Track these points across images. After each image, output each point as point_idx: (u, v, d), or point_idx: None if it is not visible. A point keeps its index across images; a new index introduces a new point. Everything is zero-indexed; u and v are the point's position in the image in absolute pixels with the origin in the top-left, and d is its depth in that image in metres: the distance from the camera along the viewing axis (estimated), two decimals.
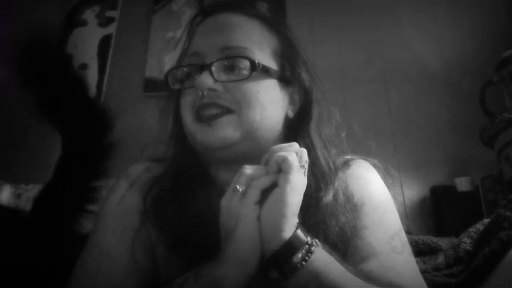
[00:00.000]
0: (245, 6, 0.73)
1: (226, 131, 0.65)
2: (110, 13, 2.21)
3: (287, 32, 0.76)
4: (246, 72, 0.66)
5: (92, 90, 1.98)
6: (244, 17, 0.72)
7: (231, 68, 0.66)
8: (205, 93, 0.65)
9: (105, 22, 2.19)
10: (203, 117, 0.66)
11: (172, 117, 0.76)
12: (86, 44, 2.14)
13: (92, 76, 2.06)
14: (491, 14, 2.07)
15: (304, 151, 0.59)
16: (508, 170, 1.44)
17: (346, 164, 0.74)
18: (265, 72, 0.67)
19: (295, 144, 0.60)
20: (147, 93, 2.02)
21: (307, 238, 0.56)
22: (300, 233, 0.56)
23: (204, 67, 0.66)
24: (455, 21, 2.08)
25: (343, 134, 0.76)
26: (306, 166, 0.59)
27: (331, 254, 0.57)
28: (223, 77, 0.66)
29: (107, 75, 2.07)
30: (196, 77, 0.67)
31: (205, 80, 0.65)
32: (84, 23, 2.19)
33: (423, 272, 0.95)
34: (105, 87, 2.05)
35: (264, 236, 0.56)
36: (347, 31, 2.11)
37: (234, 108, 0.66)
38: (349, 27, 2.11)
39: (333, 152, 0.73)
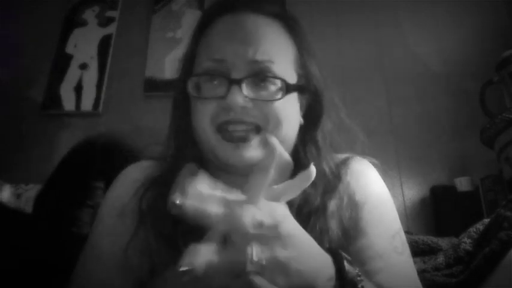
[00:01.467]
0: (265, 4, 0.71)
1: (254, 152, 0.63)
2: (110, 13, 2.21)
3: (303, 33, 0.75)
4: (274, 87, 0.64)
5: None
6: (266, 18, 0.70)
7: (260, 83, 0.65)
8: (237, 110, 0.63)
9: (105, 22, 2.19)
10: (231, 137, 0.63)
11: (178, 119, 0.74)
12: (86, 44, 2.14)
13: (92, 76, 2.06)
14: (491, 14, 2.07)
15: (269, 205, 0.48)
16: (508, 170, 1.44)
17: (345, 162, 0.74)
18: (293, 89, 0.67)
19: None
20: (147, 93, 2.02)
21: (355, 270, 0.52)
22: (348, 269, 0.51)
23: (234, 82, 0.63)
24: (455, 21, 2.08)
25: (346, 136, 0.76)
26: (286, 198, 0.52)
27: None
28: (252, 94, 0.64)
29: (107, 75, 2.07)
30: (215, 82, 0.65)
31: (238, 98, 0.62)
32: (84, 23, 2.19)
33: (423, 272, 0.95)
34: (105, 87, 2.05)
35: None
36: (347, 31, 2.11)
37: (261, 124, 0.64)
38: (349, 27, 2.12)
39: (336, 155, 0.73)
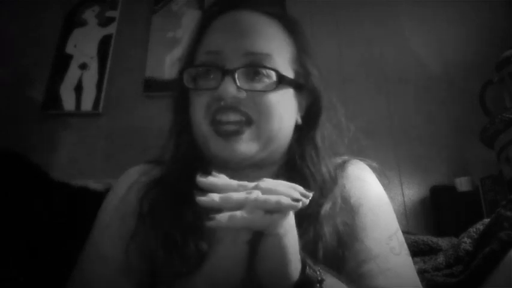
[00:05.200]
0: (265, 3, 0.72)
1: (246, 146, 0.63)
2: (110, 13, 2.21)
3: (302, 34, 0.75)
4: (268, 81, 0.65)
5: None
6: (265, 17, 0.70)
7: (254, 75, 0.65)
8: (228, 101, 0.63)
9: (105, 22, 2.19)
10: (224, 131, 0.63)
11: (178, 117, 0.74)
12: (86, 44, 2.13)
13: (92, 76, 2.06)
14: (491, 14, 2.07)
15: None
16: (508, 170, 1.44)
17: (343, 165, 0.74)
18: (287, 83, 0.67)
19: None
20: (147, 93, 2.02)
21: (317, 273, 0.53)
22: (310, 273, 0.52)
23: (227, 72, 0.64)
24: (456, 21, 2.08)
25: (346, 139, 0.75)
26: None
27: (338, 279, 0.56)
28: (246, 85, 0.64)
29: (106, 75, 2.07)
30: (211, 76, 0.66)
31: (230, 88, 0.62)
32: (84, 23, 2.18)
33: (423, 272, 0.95)
34: (105, 87, 2.05)
35: (269, 283, 0.51)
36: (347, 31, 2.11)
37: (254, 117, 0.64)
38: (349, 27, 2.12)
39: (334, 156, 0.73)
